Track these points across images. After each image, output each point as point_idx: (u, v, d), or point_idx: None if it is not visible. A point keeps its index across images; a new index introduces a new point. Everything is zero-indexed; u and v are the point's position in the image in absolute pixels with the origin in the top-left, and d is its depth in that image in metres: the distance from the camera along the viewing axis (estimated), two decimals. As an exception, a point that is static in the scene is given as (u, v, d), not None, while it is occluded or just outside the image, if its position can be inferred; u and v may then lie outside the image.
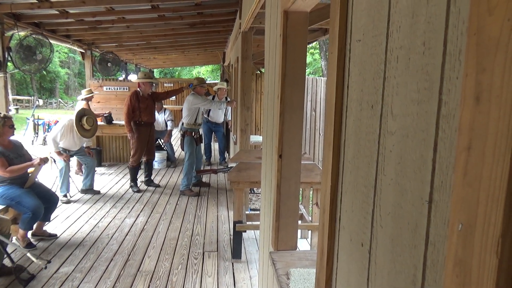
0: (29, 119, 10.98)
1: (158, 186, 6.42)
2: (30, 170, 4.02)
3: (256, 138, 6.53)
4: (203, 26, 6.57)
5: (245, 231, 3.82)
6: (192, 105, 5.66)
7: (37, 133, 10.30)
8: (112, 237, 4.32)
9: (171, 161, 8.03)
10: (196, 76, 27.73)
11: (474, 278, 0.42)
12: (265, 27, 2.47)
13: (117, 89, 8.05)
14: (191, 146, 5.74)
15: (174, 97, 14.72)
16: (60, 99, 27.43)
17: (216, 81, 18.92)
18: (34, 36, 4.69)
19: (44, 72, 21.34)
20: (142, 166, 6.38)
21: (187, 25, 6.30)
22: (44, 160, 3.99)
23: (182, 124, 5.85)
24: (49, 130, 9.84)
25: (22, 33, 4.70)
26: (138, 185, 6.26)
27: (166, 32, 7.01)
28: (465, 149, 0.44)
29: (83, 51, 7.70)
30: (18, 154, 3.93)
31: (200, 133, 6.00)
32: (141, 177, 6.50)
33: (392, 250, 0.68)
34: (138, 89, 5.85)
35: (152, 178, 6.54)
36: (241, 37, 4.83)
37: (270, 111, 2.25)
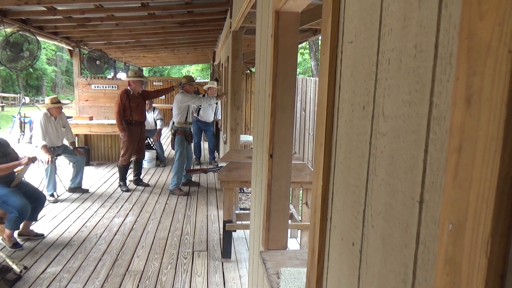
0: (15, 117, 10.80)
1: (147, 185, 6.38)
2: (17, 169, 3.96)
3: (246, 138, 6.53)
4: (193, 24, 6.55)
5: (235, 231, 3.82)
6: (181, 103, 5.62)
7: (24, 131, 10.13)
8: (100, 236, 4.29)
9: (160, 160, 7.99)
10: (185, 74, 27.59)
11: (464, 277, 0.43)
12: (256, 26, 2.47)
13: (105, 87, 7.96)
14: (181, 145, 5.70)
15: (164, 96, 14.67)
16: (47, 97, 27.04)
17: (206, 80, 18.87)
18: (21, 32, 4.61)
19: (31, 70, 20.99)
20: (132, 165, 6.32)
21: (177, 23, 6.27)
22: (32, 160, 3.93)
23: (173, 123, 5.83)
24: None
25: (8, 30, 4.62)
26: (127, 184, 6.19)
27: (156, 30, 6.95)
28: (455, 150, 0.45)
29: (71, 48, 7.60)
30: (3, 153, 3.87)
31: (191, 132, 6.00)
32: (130, 176, 6.44)
33: (383, 249, 0.68)
34: (128, 87, 5.79)
35: (141, 177, 6.49)
36: (232, 37, 4.83)
37: (261, 110, 2.25)
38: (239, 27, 4.52)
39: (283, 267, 1.78)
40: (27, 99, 20.59)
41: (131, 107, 5.71)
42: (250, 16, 4.15)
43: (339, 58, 0.94)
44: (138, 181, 6.36)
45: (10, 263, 3.21)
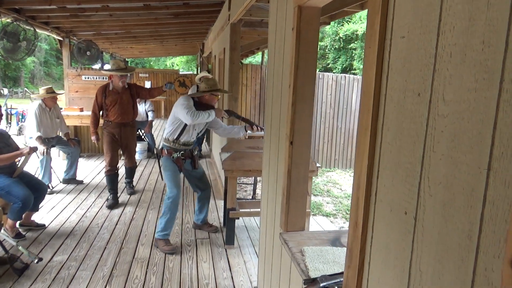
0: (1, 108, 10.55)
1: (132, 193, 5.52)
2: (18, 159, 3.96)
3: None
4: (187, 16, 6.57)
5: (238, 218, 3.93)
6: (177, 113, 3.60)
7: (10, 123, 9.93)
8: (102, 226, 4.34)
9: (152, 152, 8.02)
10: (170, 67, 27.19)
11: (541, 221, 0.56)
12: (270, 20, 2.57)
13: (96, 78, 7.91)
14: (170, 172, 3.72)
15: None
16: (26, 89, 26.32)
17: (191, 72, 18.82)
18: (17, 23, 4.56)
19: (10, 61, 20.45)
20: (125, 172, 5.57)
21: (172, 15, 6.28)
22: (33, 149, 3.93)
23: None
24: (23, 120, 9.52)
25: (4, 19, 4.56)
26: (118, 198, 5.14)
27: (149, 21, 6.94)
28: (533, 124, 0.57)
29: (61, 38, 7.50)
30: (5, 143, 3.86)
31: (193, 154, 3.90)
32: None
33: (444, 213, 0.81)
34: (109, 81, 4.96)
35: (132, 181, 5.61)
36: (230, 29, 4.90)
37: (276, 101, 2.36)
38: (238, 19, 4.60)
39: (305, 246, 1.90)
40: (5, 91, 20.07)
41: (106, 104, 4.89)
42: (250, 9, 4.23)
43: (386, 51, 1.06)
44: (127, 185, 5.58)
45: (26, 253, 3.26)
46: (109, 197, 5.08)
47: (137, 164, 6.61)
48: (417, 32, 0.92)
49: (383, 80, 1.08)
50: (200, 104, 3.66)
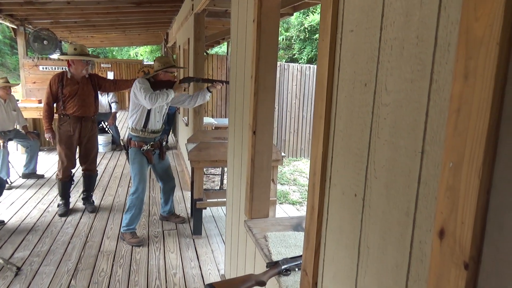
0: None
1: (93, 210, 4.52)
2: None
3: (207, 120, 6.62)
4: (149, 5, 6.43)
5: (205, 208, 3.97)
6: (136, 98, 3.48)
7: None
8: (65, 221, 4.24)
9: (116, 144, 7.86)
10: (133, 57, 26.51)
11: (461, 197, 0.64)
12: (232, 11, 2.59)
13: (55, 68, 7.62)
14: (138, 165, 3.60)
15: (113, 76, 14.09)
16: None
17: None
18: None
19: (-41, 49, 19.17)
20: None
21: (133, 3, 6.13)
22: (-11, 144, 3.78)
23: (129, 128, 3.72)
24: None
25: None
26: (69, 204, 4.53)
27: (109, 10, 6.73)
28: (455, 111, 0.65)
29: (15, 27, 7.15)
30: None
31: (161, 144, 3.85)
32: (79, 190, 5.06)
33: (387, 194, 0.89)
34: (67, 69, 4.25)
35: (92, 195, 4.71)
36: (194, 19, 4.86)
37: (239, 91, 2.40)
38: (202, 9, 4.57)
39: (268, 232, 1.97)
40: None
41: (63, 94, 4.16)
42: (213, -1, 4.22)
43: (338, 44, 1.12)
44: (87, 199, 4.64)
45: (4, 264, 3.14)
46: (60, 203, 4.46)
47: (102, 157, 6.51)
48: (364, 26, 0.98)
49: (335, 71, 1.14)
50: (156, 84, 3.51)
